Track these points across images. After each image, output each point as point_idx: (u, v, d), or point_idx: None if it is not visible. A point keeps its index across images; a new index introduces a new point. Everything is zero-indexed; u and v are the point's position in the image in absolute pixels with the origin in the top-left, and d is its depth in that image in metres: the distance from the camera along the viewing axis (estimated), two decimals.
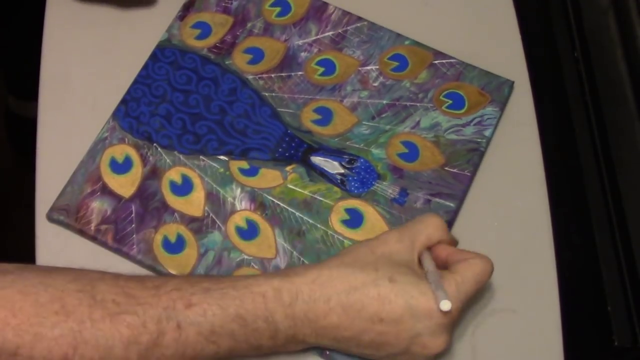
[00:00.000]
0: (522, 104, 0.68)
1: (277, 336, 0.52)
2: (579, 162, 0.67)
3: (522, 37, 0.71)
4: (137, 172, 0.63)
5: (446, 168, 0.65)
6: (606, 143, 0.65)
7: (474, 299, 0.57)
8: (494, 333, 0.59)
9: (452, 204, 0.63)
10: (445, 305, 0.50)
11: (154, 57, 0.67)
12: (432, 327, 0.52)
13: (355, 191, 0.64)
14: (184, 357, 0.50)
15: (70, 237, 0.61)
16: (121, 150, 0.63)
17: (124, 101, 0.65)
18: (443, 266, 0.55)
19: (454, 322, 0.54)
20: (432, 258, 0.56)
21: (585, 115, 0.68)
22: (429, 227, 0.56)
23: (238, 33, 0.69)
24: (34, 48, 0.69)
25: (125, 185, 0.62)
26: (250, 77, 0.67)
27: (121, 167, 0.63)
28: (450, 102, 0.68)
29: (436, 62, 0.70)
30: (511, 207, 0.64)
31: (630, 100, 0.65)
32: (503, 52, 0.70)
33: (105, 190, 0.62)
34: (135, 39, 0.69)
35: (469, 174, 0.65)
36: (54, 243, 0.61)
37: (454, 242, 0.58)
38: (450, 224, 0.63)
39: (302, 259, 0.61)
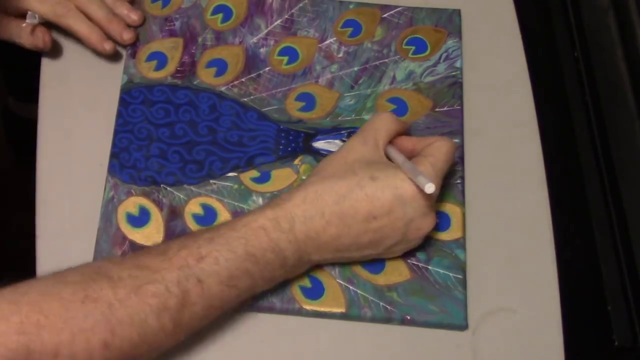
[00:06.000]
0: (522, 104, 0.68)
1: (286, 263, 0.54)
2: (579, 162, 0.66)
3: (522, 37, 0.70)
4: (157, 218, 0.61)
5: (437, 109, 0.67)
6: (606, 143, 0.64)
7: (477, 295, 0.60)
8: (494, 333, 0.60)
9: (457, 140, 0.66)
10: (430, 187, 0.53)
11: (123, 102, 0.65)
12: (421, 209, 0.56)
13: None
14: (211, 309, 0.52)
15: (71, 238, 0.61)
16: (133, 204, 0.62)
17: (114, 155, 0.63)
18: (409, 156, 0.58)
19: (436, 198, 0.57)
20: (398, 151, 0.59)
21: (585, 115, 0.67)
22: (386, 123, 0.59)
23: (193, 51, 0.68)
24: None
25: (151, 235, 0.61)
26: (223, 88, 0.67)
27: (140, 219, 0.61)
28: (414, 47, 0.70)
29: (385, 15, 0.71)
30: (511, 207, 0.64)
31: (630, 100, 0.65)
32: (503, 52, 0.71)
33: (135, 248, 0.60)
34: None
35: (458, 107, 0.67)
36: (54, 243, 0.61)
37: (408, 131, 0.61)
38: (461, 159, 0.65)
39: None
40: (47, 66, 0.68)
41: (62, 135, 0.65)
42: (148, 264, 0.50)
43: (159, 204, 0.62)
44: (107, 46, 0.66)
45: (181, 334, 0.51)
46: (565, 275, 0.62)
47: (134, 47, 0.67)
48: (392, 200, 0.54)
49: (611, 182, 0.63)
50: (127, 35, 0.67)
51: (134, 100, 0.65)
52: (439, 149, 0.57)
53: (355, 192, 0.54)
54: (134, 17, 0.68)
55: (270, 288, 0.57)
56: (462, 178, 0.64)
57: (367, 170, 0.55)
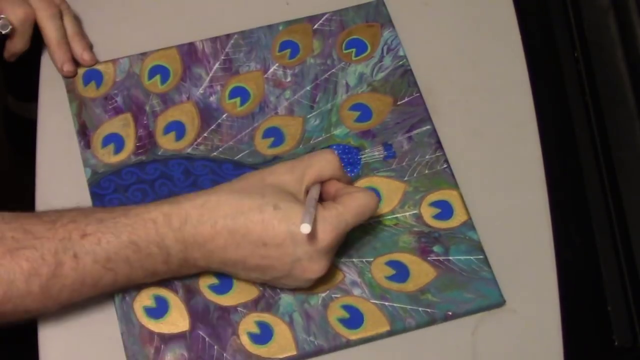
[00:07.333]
0: (522, 104, 0.68)
1: (170, 260, 0.55)
2: (579, 162, 0.66)
3: (522, 37, 0.70)
4: (176, 304, 0.59)
5: (398, 103, 0.68)
6: (606, 143, 0.65)
7: None
8: (494, 333, 0.60)
9: (428, 127, 0.66)
10: (305, 227, 0.52)
11: (96, 196, 0.62)
12: (311, 253, 0.55)
13: (352, 174, 0.65)
14: (83, 285, 0.54)
15: None
16: (147, 295, 0.59)
17: None
18: (330, 201, 0.57)
19: (333, 249, 0.56)
20: (319, 191, 0.58)
21: (585, 115, 0.68)
22: (321, 162, 0.58)
23: (145, 122, 0.65)
24: (34, 49, 0.67)
25: (177, 321, 0.59)
26: (189, 150, 0.65)
27: (159, 310, 0.59)
28: (354, 49, 0.70)
29: (316, 26, 0.70)
30: (511, 207, 0.64)
31: (630, 100, 0.65)
32: (503, 52, 0.70)
33: (166, 339, 0.58)
34: None
35: (417, 93, 0.68)
36: None
37: (348, 182, 0.61)
38: (439, 143, 0.66)
39: (363, 260, 0.61)
40: (47, 66, 0.67)
41: (62, 135, 0.65)
42: (34, 229, 0.52)
43: (173, 288, 0.59)
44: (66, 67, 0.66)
45: (50, 302, 0.53)
46: (565, 275, 0.62)
47: (85, 136, 0.64)
48: (285, 234, 0.54)
49: (611, 182, 0.64)
50: (67, 68, 0.66)
51: (105, 190, 0.62)
52: (353, 200, 0.56)
53: (254, 213, 0.54)
54: (86, 57, 0.67)
55: (153, 281, 0.57)
56: (447, 162, 0.65)
57: (274, 198, 0.55)
